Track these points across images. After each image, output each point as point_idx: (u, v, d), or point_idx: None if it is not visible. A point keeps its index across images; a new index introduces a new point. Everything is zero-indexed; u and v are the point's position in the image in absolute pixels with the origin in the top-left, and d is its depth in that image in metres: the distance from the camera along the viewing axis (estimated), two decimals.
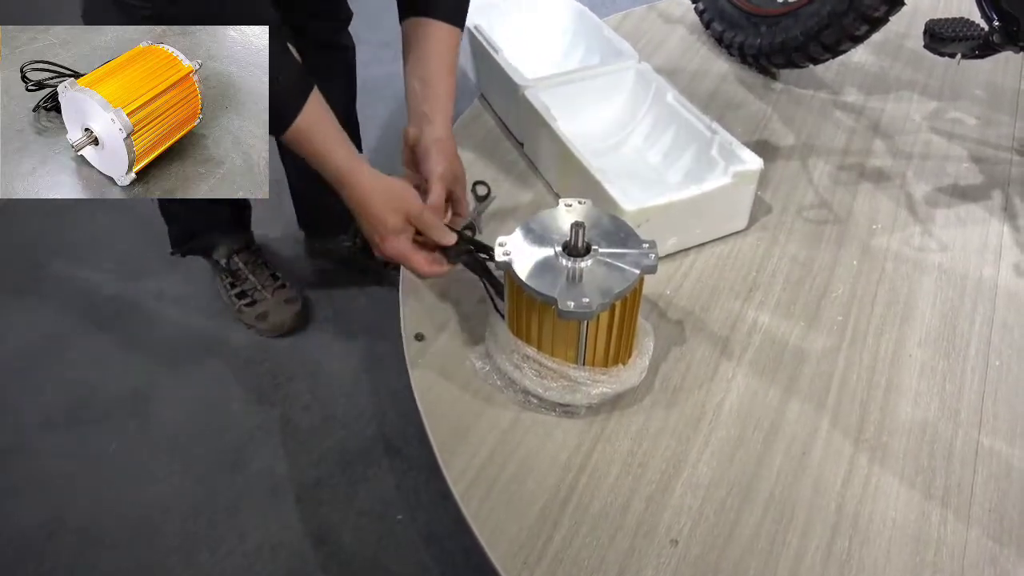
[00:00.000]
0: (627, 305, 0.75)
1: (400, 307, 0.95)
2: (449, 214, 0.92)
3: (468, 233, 0.91)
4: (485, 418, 0.82)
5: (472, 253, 0.90)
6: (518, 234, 0.77)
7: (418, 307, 0.95)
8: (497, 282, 0.90)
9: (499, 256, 0.75)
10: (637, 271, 0.73)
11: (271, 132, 0.81)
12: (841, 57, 1.26)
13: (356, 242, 1.45)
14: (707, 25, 1.44)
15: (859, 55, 1.40)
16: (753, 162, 0.97)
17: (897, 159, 1.17)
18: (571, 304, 0.70)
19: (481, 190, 1.09)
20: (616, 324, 0.75)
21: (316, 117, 0.81)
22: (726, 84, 1.35)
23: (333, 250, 1.50)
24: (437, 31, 0.93)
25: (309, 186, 1.41)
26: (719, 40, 1.41)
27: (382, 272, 1.47)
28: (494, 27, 1.25)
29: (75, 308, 1.48)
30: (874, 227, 1.05)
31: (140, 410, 1.29)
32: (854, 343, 0.89)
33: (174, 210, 1.33)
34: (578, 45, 1.32)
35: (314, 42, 1.04)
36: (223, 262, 1.41)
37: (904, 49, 1.43)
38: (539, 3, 1.36)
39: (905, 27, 1.46)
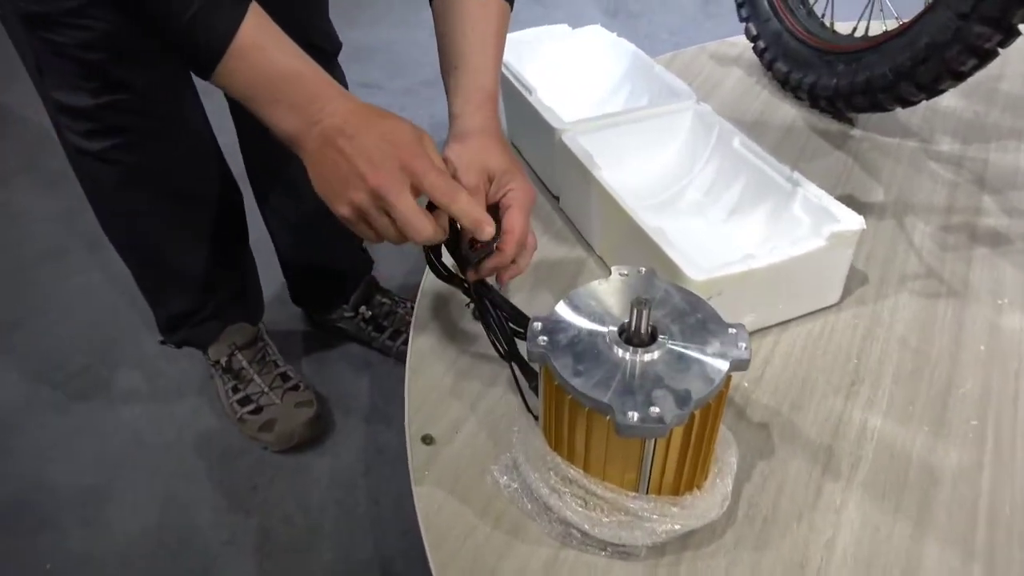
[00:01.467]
0: (708, 414, 0.54)
1: (405, 396, 0.76)
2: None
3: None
4: (511, 558, 0.61)
5: (491, 306, 0.71)
6: (557, 314, 0.58)
7: (427, 397, 0.75)
8: (530, 369, 0.70)
9: (532, 344, 0.55)
10: (724, 367, 0.53)
11: (199, 71, 0.62)
12: (925, 101, 1.06)
13: (359, 312, 1.29)
14: (769, 66, 1.26)
15: (946, 99, 1.21)
16: (851, 221, 0.77)
17: (1014, 218, 0.96)
18: (634, 416, 0.50)
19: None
20: (694, 439, 0.55)
21: (262, 28, 0.62)
22: (795, 131, 1.16)
23: (332, 321, 1.31)
24: (469, 3, 0.74)
25: (303, 252, 1.22)
26: (784, 82, 1.23)
27: (389, 346, 1.27)
28: (524, 65, 1.08)
29: (32, 384, 1.29)
30: (1000, 302, 0.84)
31: (89, 516, 1.08)
32: (999, 456, 0.68)
33: (153, 290, 1.09)
34: (623, 84, 1.14)
35: None
36: (223, 360, 1.16)
37: (999, 92, 1.24)
38: (576, 39, 1.19)
39: (999, 68, 1.27)
